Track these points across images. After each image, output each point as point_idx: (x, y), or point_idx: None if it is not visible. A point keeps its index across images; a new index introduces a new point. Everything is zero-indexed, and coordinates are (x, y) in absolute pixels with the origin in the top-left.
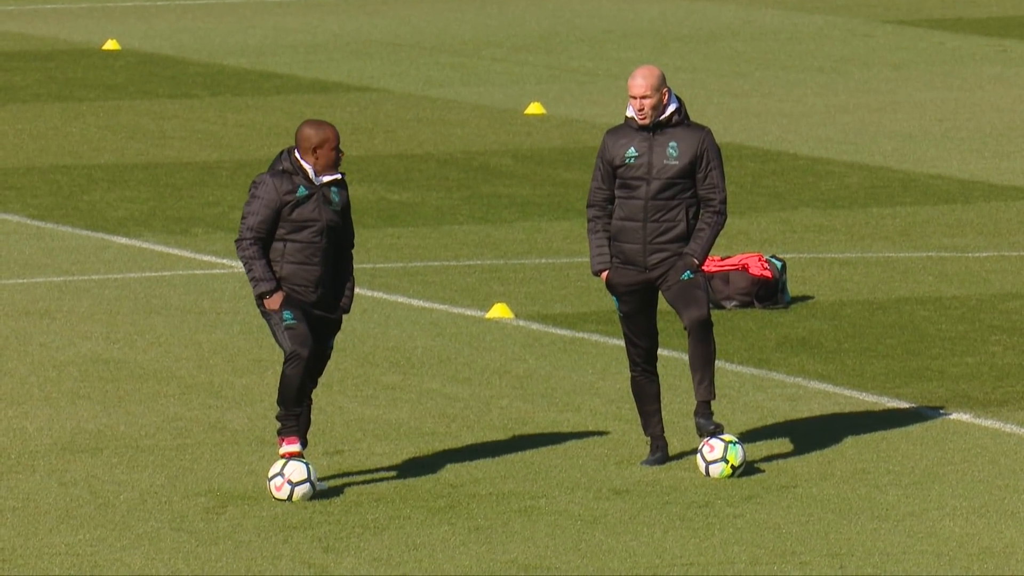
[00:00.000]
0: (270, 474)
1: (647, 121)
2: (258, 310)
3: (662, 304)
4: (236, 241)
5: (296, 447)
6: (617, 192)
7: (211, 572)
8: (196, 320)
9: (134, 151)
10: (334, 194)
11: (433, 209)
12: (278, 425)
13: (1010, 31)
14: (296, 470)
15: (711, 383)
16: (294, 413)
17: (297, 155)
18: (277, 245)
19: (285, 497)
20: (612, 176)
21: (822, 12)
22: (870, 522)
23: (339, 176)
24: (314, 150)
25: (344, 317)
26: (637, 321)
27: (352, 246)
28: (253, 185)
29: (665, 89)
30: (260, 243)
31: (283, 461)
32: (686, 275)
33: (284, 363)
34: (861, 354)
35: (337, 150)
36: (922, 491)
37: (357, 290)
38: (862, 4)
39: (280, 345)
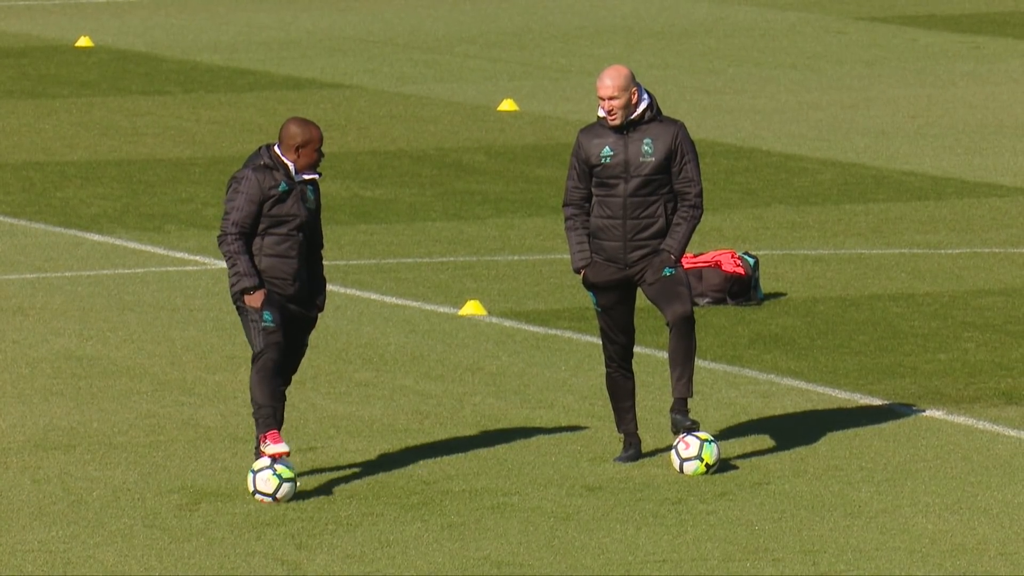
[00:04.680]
0: (262, 489)
1: (617, 122)
2: (234, 306)
3: (638, 301)
4: (219, 236)
5: (283, 447)
6: (595, 190)
7: (184, 569)
8: (169, 317)
9: (107, 148)
10: (309, 192)
11: (406, 206)
12: (256, 423)
13: (983, 28)
14: (288, 493)
15: (690, 380)
16: (269, 406)
17: (278, 151)
18: (255, 240)
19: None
20: (588, 175)
21: (795, 9)
22: (843, 519)
23: (317, 176)
24: (297, 148)
25: (319, 314)
26: (614, 315)
27: (322, 247)
28: (234, 180)
29: (634, 88)
30: (244, 238)
31: (275, 481)
32: (667, 271)
33: (253, 362)
34: (834, 351)
35: (319, 151)
36: (895, 488)
37: (330, 286)
38: (835, 1)
39: (251, 342)
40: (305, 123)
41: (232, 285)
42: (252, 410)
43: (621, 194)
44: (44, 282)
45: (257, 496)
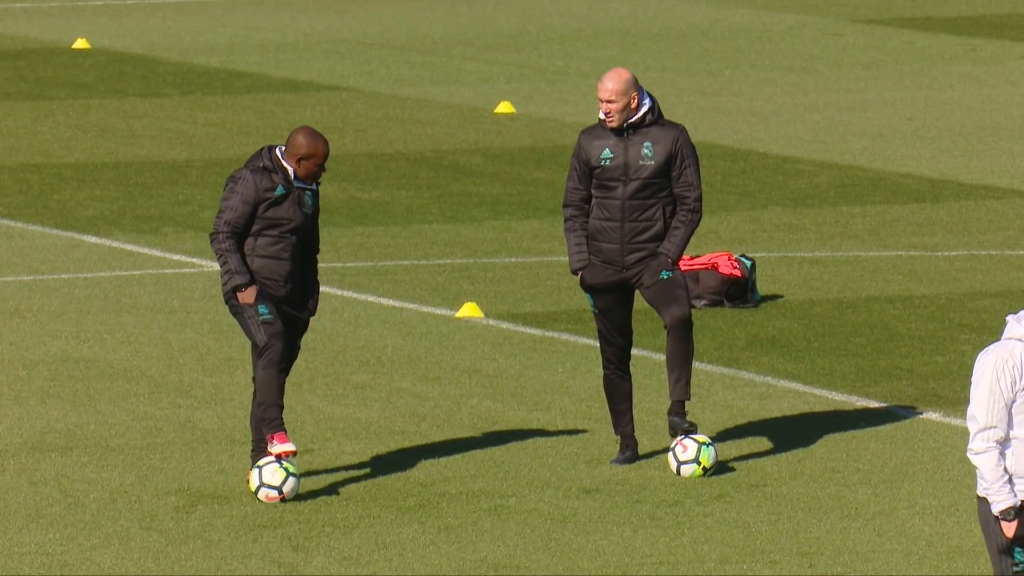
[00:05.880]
0: (268, 481)
1: (614, 124)
2: (227, 306)
3: (636, 303)
4: (211, 234)
5: (290, 446)
6: (594, 192)
7: (181, 571)
8: (166, 319)
9: (104, 150)
10: (308, 197)
11: (403, 208)
12: (263, 422)
13: (979, 30)
14: (293, 489)
15: (687, 383)
16: (278, 405)
17: (279, 154)
18: (248, 240)
19: (273, 503)
20: (588, 176)
21: (792, 11)
22: (840, 521)
23: (316, 184)
24: (300, 159)
25: (311, 318)
26: (612, 317)
27: (318, 251)
28: (231, 180)
29: (635, 92)
30: (236, 237)
31: (283, 473)
32: (664, 274)
33: (259, 358)
34: (831, 353)
35: (321, 167)
36: (892, 490)
37: (327, 289)
38: (832, 3)
39: (253, 339)
40: (314, 137)
41: (224, 284)
42: (259, 409)
43: (620, 196)
44: (41, 284)
45: (262, 491)
